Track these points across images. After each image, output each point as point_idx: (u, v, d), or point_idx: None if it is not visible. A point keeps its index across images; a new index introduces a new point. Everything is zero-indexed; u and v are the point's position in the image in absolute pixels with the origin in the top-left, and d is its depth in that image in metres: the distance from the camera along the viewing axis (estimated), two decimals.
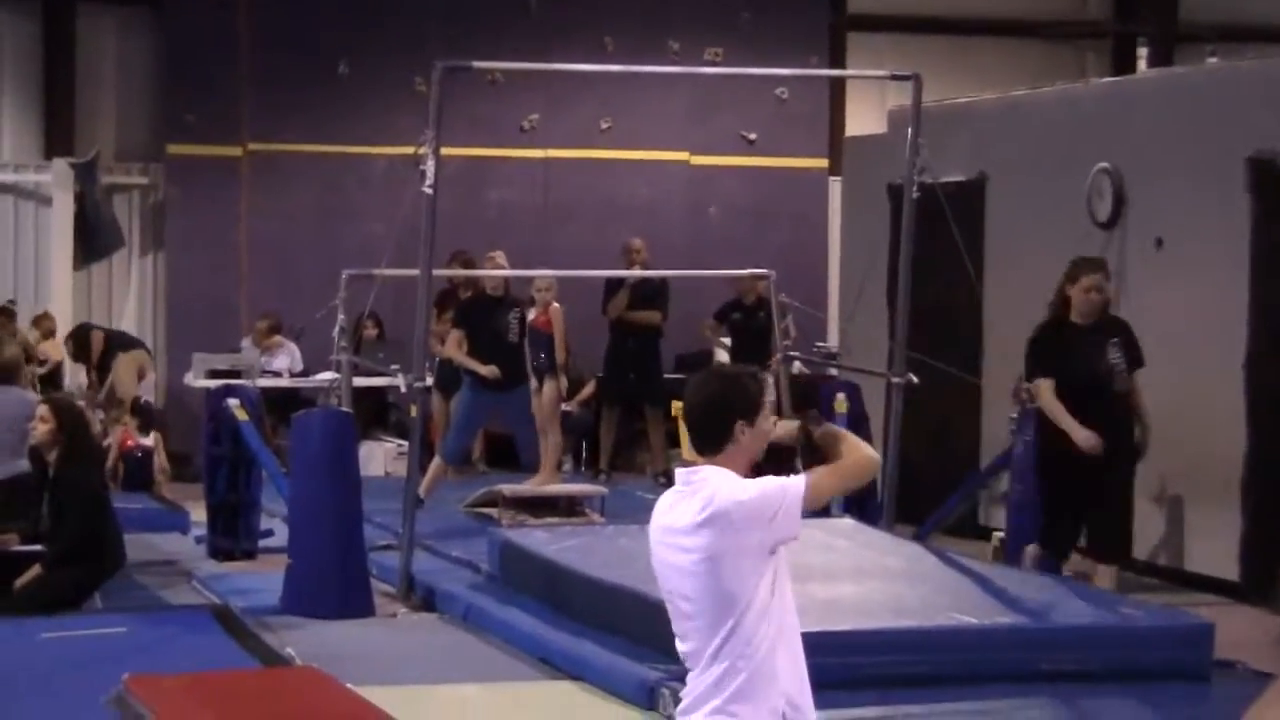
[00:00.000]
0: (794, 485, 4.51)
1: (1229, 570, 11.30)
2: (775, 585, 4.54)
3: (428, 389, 11.84)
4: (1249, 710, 1.28)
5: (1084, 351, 10.02)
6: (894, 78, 12.75)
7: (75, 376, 16.61)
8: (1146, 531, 12.04)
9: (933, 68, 14.22)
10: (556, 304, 13.06)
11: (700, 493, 4.56)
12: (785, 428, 4.67)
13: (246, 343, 16.81)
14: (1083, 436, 9.82)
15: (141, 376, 16.10)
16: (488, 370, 13.07)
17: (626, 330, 15.73)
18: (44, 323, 16.63)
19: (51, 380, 15.88)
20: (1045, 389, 10.09)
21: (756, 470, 4.65)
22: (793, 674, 4.58)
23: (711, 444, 4.59)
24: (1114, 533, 10.30)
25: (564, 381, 13.39)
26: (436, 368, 14.42)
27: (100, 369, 16.00)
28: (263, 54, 17.42)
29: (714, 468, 4.59)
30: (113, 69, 17.68)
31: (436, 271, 12.13)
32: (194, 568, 11.92)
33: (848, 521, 11.47)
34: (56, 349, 16.44)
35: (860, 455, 4.60)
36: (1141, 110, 12.46)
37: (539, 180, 18.05)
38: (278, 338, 16.68)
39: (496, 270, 13.71)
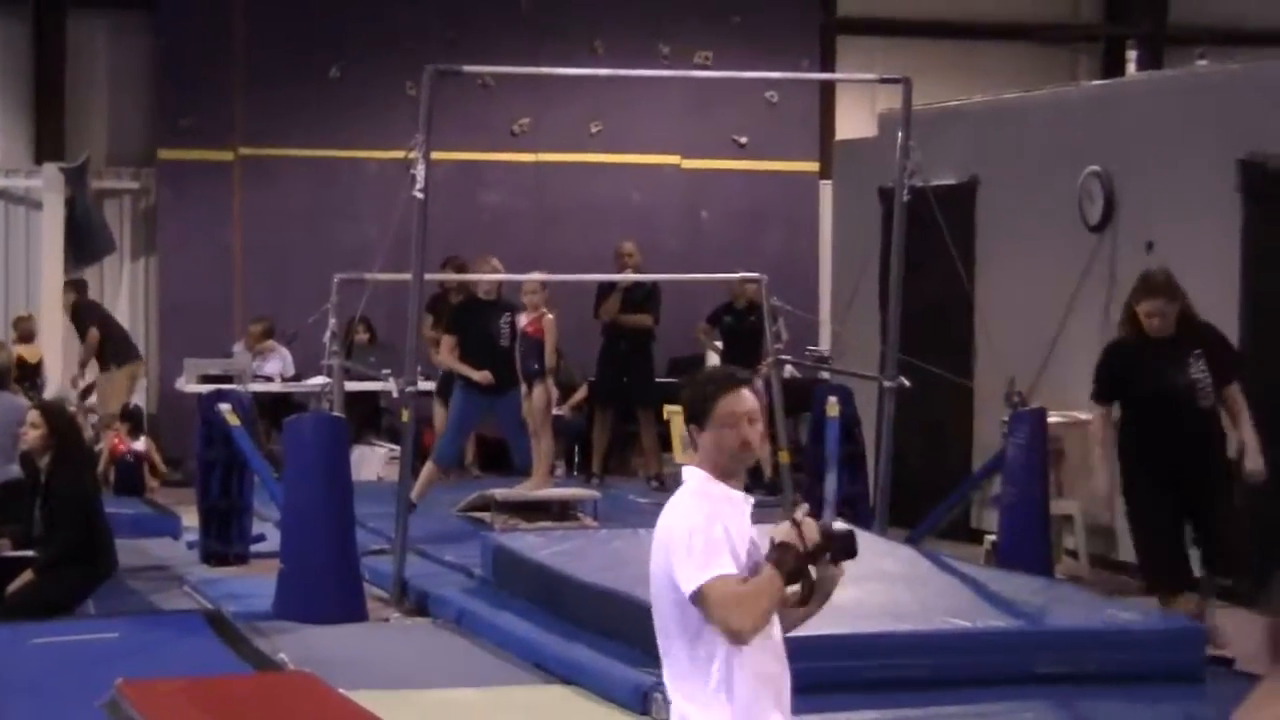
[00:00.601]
0: (700, 574, 4.33)
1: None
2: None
3: (420, 393, 11.84)
4: (1236, 712, 1.28)
5: (1158, 368, 9.29)
6: (884, 81, 12.76)
7: (65, 381, 16.59)
8: None
9: (923, 71, 14.24)
10: (549, 315, 13.06)
11: (671, 500, 4.56)
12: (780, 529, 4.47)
13: (238, 347, 16.80)
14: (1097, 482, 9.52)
15: (132, 386, 16.07)
16: (480, 376, 13.08)
17: (619, 334, 15.73)
18: (23, 325, 16.58)
19: (31, 382, 15.78)
20: (1095, 419, 9.60)
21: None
22: (755, 698, 4.45)
23: (689, 444, 4.59)
24: (1220, 553, 9.35)
25: (554, 389, 13.40)
26: (440, 376, 14.44)
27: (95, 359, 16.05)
28: (255, 58, 17.42)
29: (691, 467, 4.59)
30: (104, 73, 17.67)
31: (428, 276, 12.13)
32: (186, 572, 11.90)
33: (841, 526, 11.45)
34: (33, 352, 16.39)
35: (756, 610, 4.33)
36: (1132, 113, 12.47)
37: (530, 184, 18.05)
38: (270, 341, 16.67)
39: (487, 274, 13.71)
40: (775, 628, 4.53)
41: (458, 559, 11.59)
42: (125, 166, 17.79)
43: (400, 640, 10.22)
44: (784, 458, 13.69)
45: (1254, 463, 9.22)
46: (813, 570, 4.49)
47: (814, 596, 4.57)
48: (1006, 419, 11.63)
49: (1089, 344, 12.52)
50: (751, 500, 4.58)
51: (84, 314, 16.31)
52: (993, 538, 12.00)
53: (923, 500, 12.42)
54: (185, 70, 17.33)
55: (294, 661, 8.93)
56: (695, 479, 4.55)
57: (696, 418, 4.54)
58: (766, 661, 4.47)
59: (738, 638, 4.34)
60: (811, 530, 4.44)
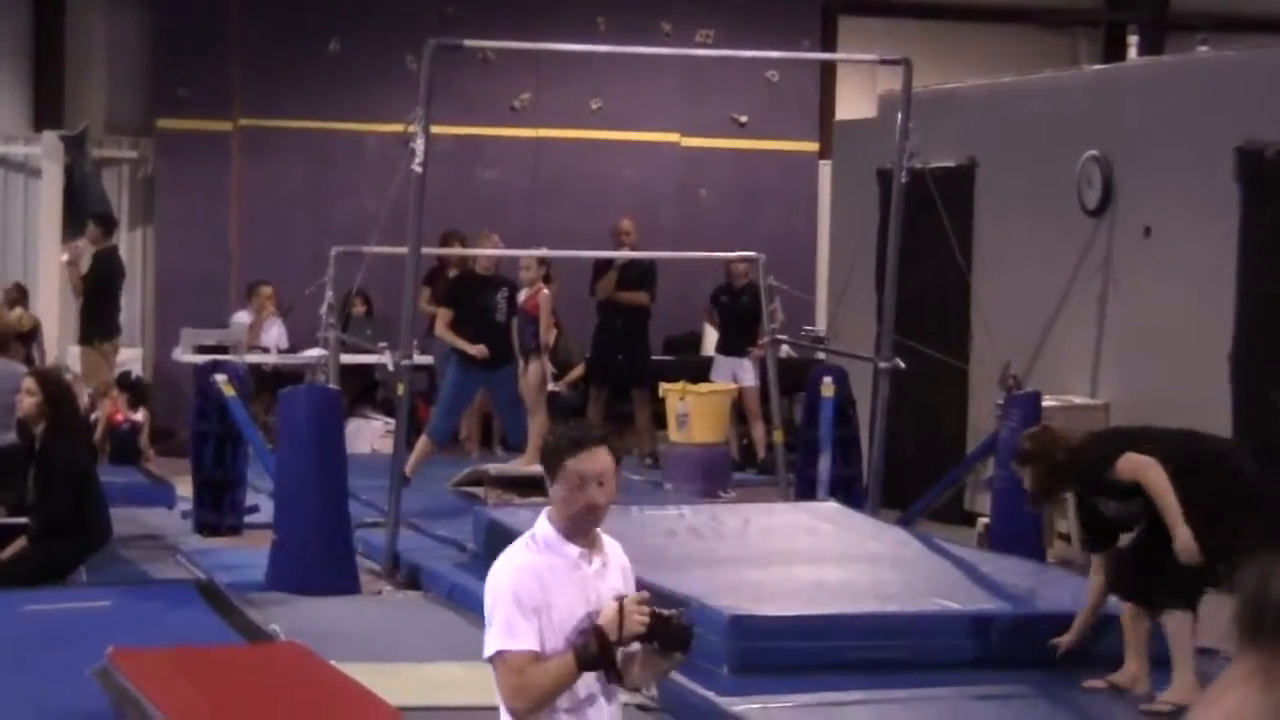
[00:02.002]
0: (495, 641, 4.33)
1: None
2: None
3: (415, 367, 11.85)
4: (1205, 693, 1.29)
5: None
6: (884, 62, 12.77)
7: (62, 348, 16.57)
8: None
9: (923, 53, 14.25)
10: (545, 289, 13.07)
11: (508, 549, 4.51)
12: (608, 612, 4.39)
13: (238, 317, 16.78)
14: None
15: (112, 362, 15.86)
16: (476, 350, 13.08)
17: (614, 311, 15.73)
18: (11, 293, 16.44)
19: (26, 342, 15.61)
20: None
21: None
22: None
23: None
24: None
25: (549, 364, 13.41)
26: (449, 354, 14.43)
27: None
28: (254, 29, 17.39)
29: (543, 515, 4.49)
30: (104, 42, 17.64)
31: (425, 250, 12.13)
32: (179, 542, 11.92)
33: (832, 505, 11.52)
34: (27, 319, 16.21)
35: (534, 694, 4.29)
36: (1132, 98, 12.47)
37: (529, 160, 18.04)
38: (272, 307, 16.65)
39: (484, 249, 13.72)
40: (597, 703, 4.44)
41: (450, 533, 11.61)
42: (124, 135, 17.77)
43: (392, 613, 10.24)
44: (778, 438, 13.71)
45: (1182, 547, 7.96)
46: (624, 654, 4.38)
47: (651, 672, 4.52)
48: (1001, 402, 11.64)
49: (1085, 328, 12.55)
50: (597, 561, 4.46)
51: (103, 268, 15.77)
52: (985, 520, 12.02)
53: (916, 482, 12.44)
54: (184, 41, 17.30)
55: (285, 633, 8.94)
56: (540, 528, 4.46)
57: (548, 471, 4.44)
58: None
59: (514, 715, 4.35)
60: (634, 621, 4.35)
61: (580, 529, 4.44)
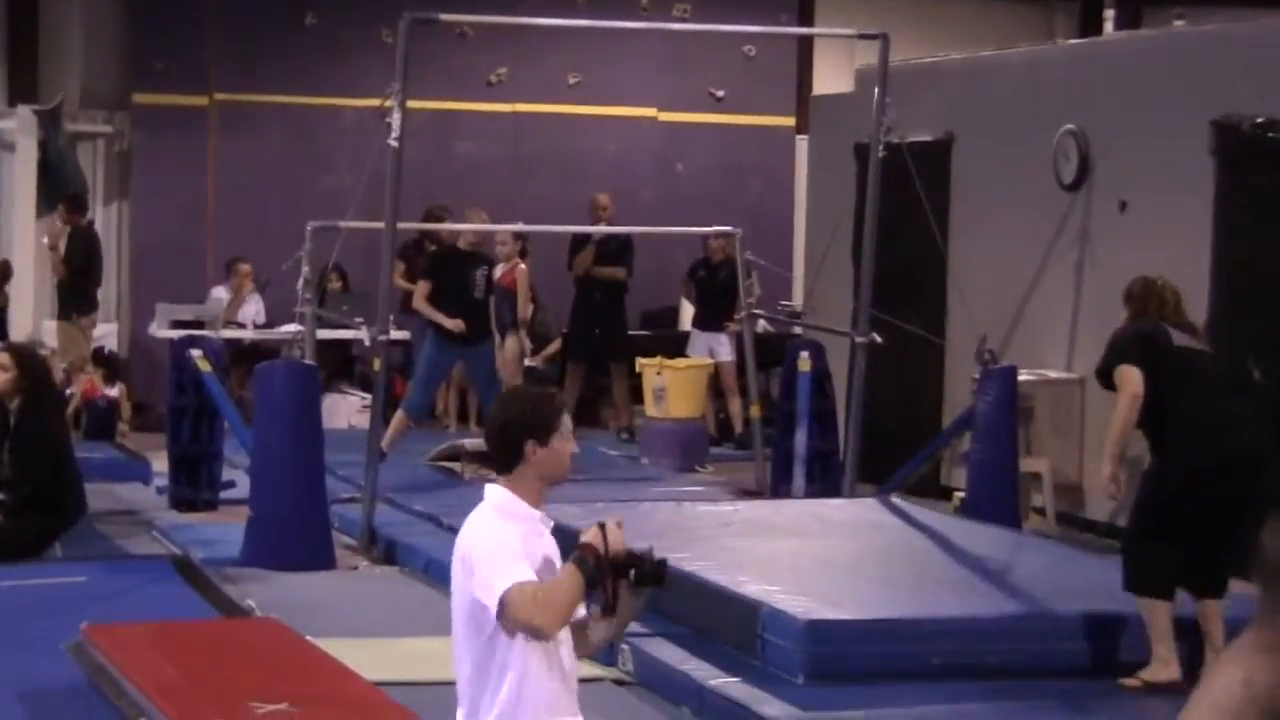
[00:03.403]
0: (501, 582, 4.46)
1: None
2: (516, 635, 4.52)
3: (392, 342, 11.84)
4: (1203, 676, 1.29)
5: None
6: (862, 36, 12.75)
7: (38, 323, 16.53)
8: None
9: (901, 27, 14.20)
10: (522, 265, 13.06)
11: (473, 513, 4.67)
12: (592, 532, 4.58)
13: (215, 292, 16.74)
14: None
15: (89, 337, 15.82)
16: (453, 324, 13.07)
17: (592, 286, 15.72)
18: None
19: None
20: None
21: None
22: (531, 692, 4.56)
23: (504, 463, 4.66)
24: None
25: (526, 340, 13.40)
26: (425, 328, 14.40)
27: None
28: (231, 3, 17.33)
29: (498, 487, 4.66)
30: (79, 15, 17.56)
31: (402, 225, 12.11)
32: (155, 518, 11.90)
33: (875, 500, 11.26)
34: None
35: (555, 604, 4.44)
36: (1108, 73, 12.48)
37: (506, 134, 18.01)
38: (251, 285, 16.63)
39: (460, 224, 13.70)
40: (567, 657, 4.60)
41: (427, 508, 11.61)
42: (99, 110, 17.69)
43: (368, 588, 10.24)
44: (755, 412, 13.71)
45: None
46: (615, 585, 4.55)
47: (615, 619, 4.65)
48: (977, 376, 11.66)
49: (1061, 302, 12.57)
50: (550, 522, 4.69)
51: (82, 246, 15.72)
52: (961, 494, 12.05)
53: (893, 456, 12.45)
54: (160, 14, 17.24)
55: (261, 608, 8.95)
56: (500, 497, 4.64)
57: (540, 433, 4.62)
58: (555, 691, 4.57)
59: (539, 634, 4.46)
60: (617, 539, 4.54)
61: (556, 484, 4.72)
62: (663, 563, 4.60)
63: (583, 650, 4.73)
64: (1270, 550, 1.29)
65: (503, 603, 4.45)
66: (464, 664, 4.65)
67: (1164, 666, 7.74)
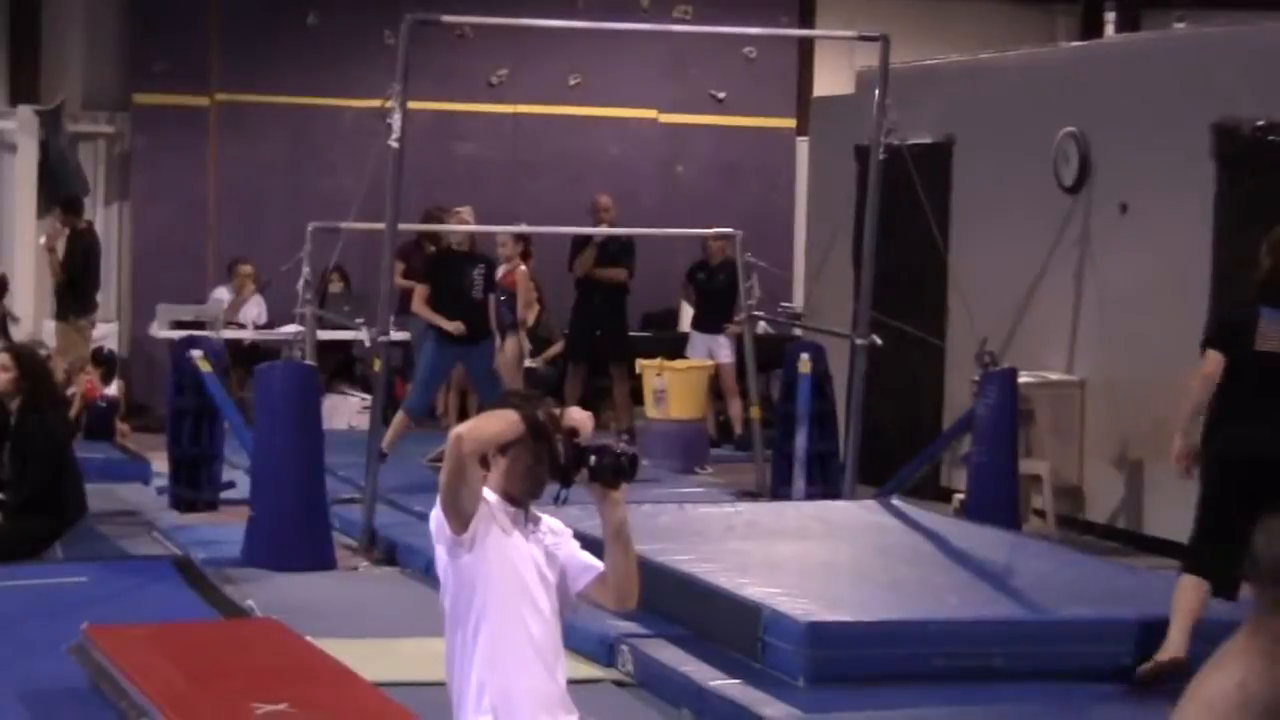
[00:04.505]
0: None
1: (1187, 534, 11.33)
2: (478, 594, 4.59)
3: (392, 343, 11.85)
4: (1196, 677, 1.28)
5: None
6: (862, 38, 12.75)
7: (38, 324, 16.53)
8: (1106, 495, 12.12)
9: (901, 29, 14.21)
10: (523, 266, 13.06)
11: None
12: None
13: (217, 293, 16.74)
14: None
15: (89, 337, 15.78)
16: (452, 326, 13.07)
17: (593, 288, 15.72)
18: None
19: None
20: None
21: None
22: (513, 685, 4.62)
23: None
24: None
25: (525, 341, 13.40)
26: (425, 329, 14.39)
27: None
28: (232, 4, 17.35)
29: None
30: (80, 15, 17.57)
31: (403, 226, 12.12)
32: (156, 518, 11.91)
33: (876, 502, 11.26)
34: None
35: (480, 425, 4.56)
36: (1108, 75, 12.48)
37: (507, 136, 18.02)
38: (253, 286, 16.64)
39: (461, 225, 13.70)
40: (538, 622, 4.64)
41: (427, 509, 11.43)
42: (100, 110, 17.70)
43: (368, 589, 10.25)
44: (755, 414, 13.72)
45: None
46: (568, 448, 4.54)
47: (608, 533, 4.66)
48: (977, 378, 11.66)
49: (1061, 305, 12.57)
50: (540, 518, 4.75)
51: (81, 248, 15.59)
52: (961, 496, 12.05)
53: (893, 458, 12.45)
54: (161, 15, 17.25)
55: (262, 609, 8.95)
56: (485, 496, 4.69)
57: (545, 432, 4.58)
58: (537, 675, 4.63)
59: (457, 445, 4.48)
60: (584, 422, 4.56)
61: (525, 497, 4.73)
62: (625, 458, 4.52)
63: (612, 595, 4.74)
64: (1265, 552, 1.28)
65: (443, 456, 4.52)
66: (450, 660, 4.71)
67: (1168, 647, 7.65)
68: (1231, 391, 7.91)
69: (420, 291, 13.39)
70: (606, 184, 16.68)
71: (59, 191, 16.70)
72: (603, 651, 8.23)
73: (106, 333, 16.67)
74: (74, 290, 15.58)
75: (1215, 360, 7.95)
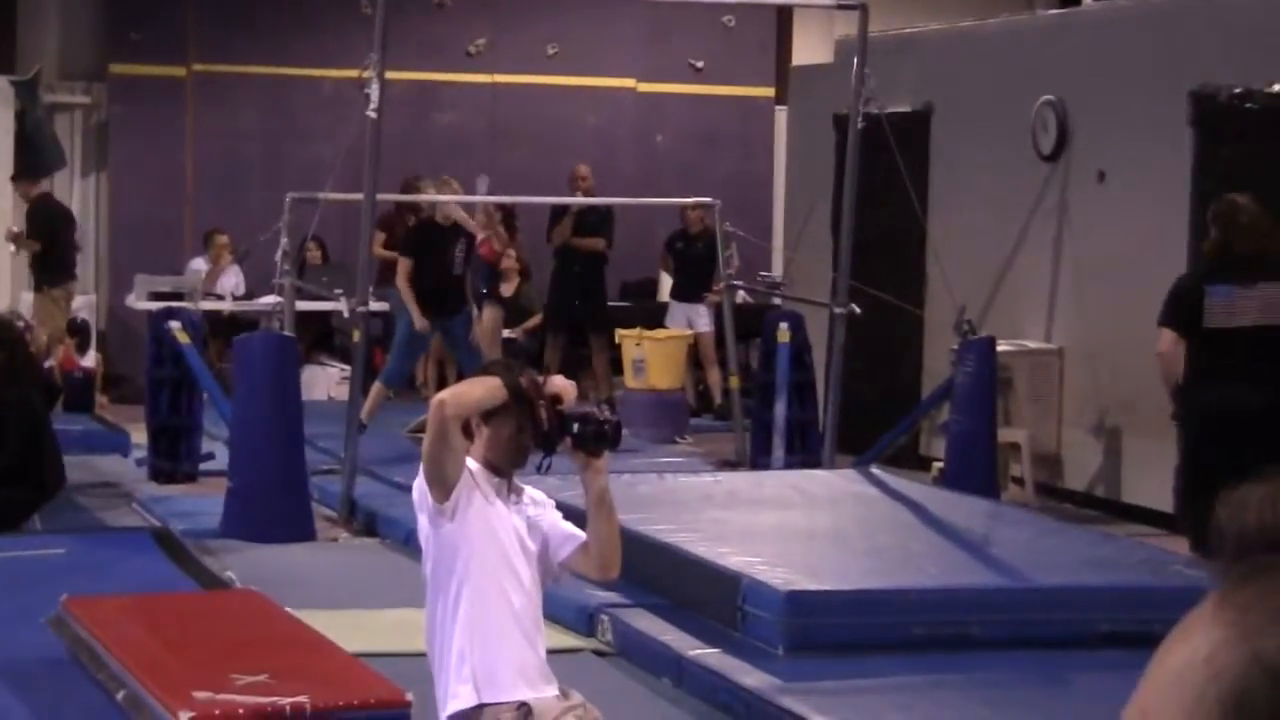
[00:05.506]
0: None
1: (1165, 502, 11.39)
2: (460, 563, 4.62)
3: (371, 313, 11.83)
4: (1160, 648, 1.29)
5: None
6: (841, 7, 12.76)
7: (15, 295, 16.47)
8: (1084, 463, 12.15)
9: None
10: (510, 242, 13.02)
11: None
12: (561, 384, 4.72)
13: (195, 264, 16.70)
14: None
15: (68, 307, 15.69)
16: (420, 325, 13.00)
17: (571, 257, 15.71)
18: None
19: None
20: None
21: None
22: (493, 654, 4.64)
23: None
24: None
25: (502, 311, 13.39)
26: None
27: None
28: None
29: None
30: None
31: (381, 196, 12.09)
32: (134, 490, 11.89)
33: (857, 471, 11.29)
34: None
35: (461, 392, 4.61)
36: (1086, 43, 12.48)
37: (485, 105, 17.98)
38: (229, 256, 16.60)
39: (441, 195, 13.67)
40: (518, 592, 4.67)
41: (407, 479, 11.44)
42: (77, 80, 17.64)
43: (348, 560, 10.25)
44: (734, 383, 13.73)
45: None
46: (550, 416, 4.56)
47: (590, 501, 4.69)
48: (956, 347, 11.68)
49: (1040, 273, 12.59)
50: (522, 489, 4.82)
51: (41, 218, 15.57)
52: (940, 464, 12.08)
53: (872, 427, 12.47)
54: None
55: (241, 580, 8.95)
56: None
57: (528, 399, 4.61)
58: (516, 642, 4.67)
59: (439, 410, 4.48)
60: (559, 383, 4.63)
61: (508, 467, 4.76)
62: (609, 425, 4.53)
63: (595, 563, 4.77)
64: (1228, 524, 1.28)
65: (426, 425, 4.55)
66: (430, 627, 4.75)
67: None
68: (1195, 361, 8.16)
69: (404, 266, 13.35)
70: (585, 153, 16.66)
71: (35, 162, 16.59)
72: (582, 621, 8.24)
73: (84, 304, 16.61)
74: (43, 261, 15.43)
75: (1169, 338, 8.28)
